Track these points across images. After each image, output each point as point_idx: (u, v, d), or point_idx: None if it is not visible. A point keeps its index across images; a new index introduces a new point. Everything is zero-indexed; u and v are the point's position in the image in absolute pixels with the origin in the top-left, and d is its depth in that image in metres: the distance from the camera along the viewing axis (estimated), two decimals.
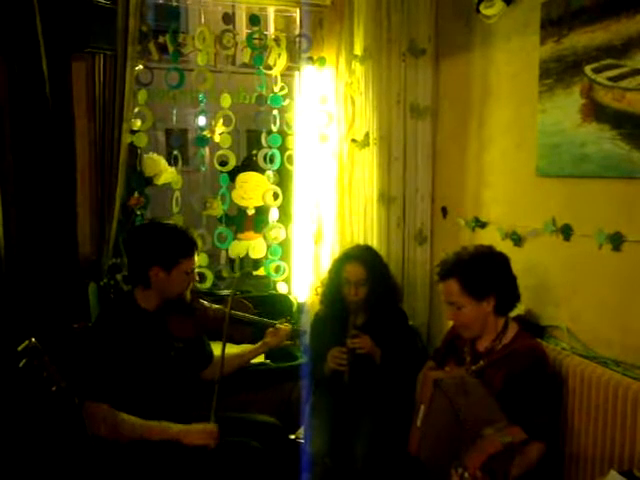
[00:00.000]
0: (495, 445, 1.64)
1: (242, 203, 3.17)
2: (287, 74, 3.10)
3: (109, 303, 2.46)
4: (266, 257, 3.18)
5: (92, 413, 1.79)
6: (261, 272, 3.32)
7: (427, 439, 1.89)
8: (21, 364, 1.66)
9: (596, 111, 1.94)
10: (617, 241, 1.89)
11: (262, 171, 3.15)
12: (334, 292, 2.41)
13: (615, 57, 1.85)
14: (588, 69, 1.95)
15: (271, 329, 2.30)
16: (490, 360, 1.93)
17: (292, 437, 2.35)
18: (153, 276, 1.95)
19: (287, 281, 3.18)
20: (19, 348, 1.67)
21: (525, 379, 1.84)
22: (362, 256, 2.40)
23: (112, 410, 1.82)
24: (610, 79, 1.88)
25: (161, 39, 2.84)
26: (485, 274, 1.92)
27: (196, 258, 2.04)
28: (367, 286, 2.34)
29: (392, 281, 2.50)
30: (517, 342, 1.93)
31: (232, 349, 2.33)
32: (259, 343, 2.31)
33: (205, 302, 2.17)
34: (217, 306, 2.14)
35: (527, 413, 1.80)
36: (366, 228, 2.94)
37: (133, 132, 2.73)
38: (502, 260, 1.99)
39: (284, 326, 2.32)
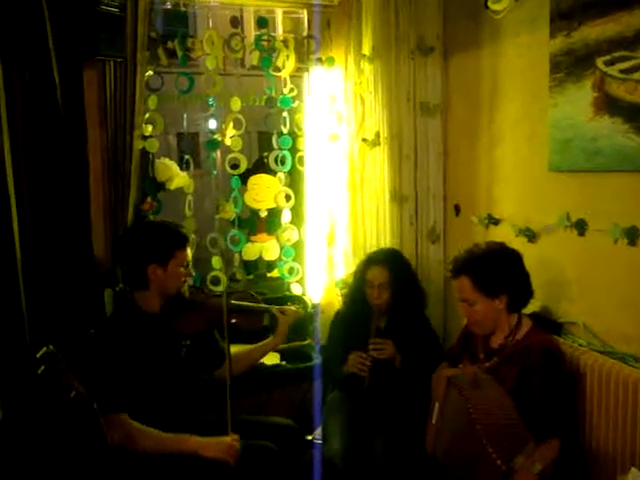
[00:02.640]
0: (530, 478, 1.65)
1: (254, 205, 3.17)
2: (296, 75, 3.10)
3: (113, 312, 2.44)
4: (279, 259, 3.18)
5: (109, 425, 1.79)
6: (275, 274, 3.33)
7: (442, 436, 1.89)
8: (39, 371, 1.68)
9: (608, 104, 1.92)
10: (633, 235, 1.87)
11: (273, 173, 3.15)
12: (357, 295, 2.41)
13: (627, 49, 1.83)
14: (600, 62, 1.93)
15: (281, 317, 2.25)
16: (503, 357, 1.92)
17: (309, 438, 2.35)
18: (151, 274, 1.96)
19: (301, 282, 3.18)
20: (37, 355, 1.69)
21: (539, 375, 1.83)
22: (386, 259, 2.40)
23: (129, 422, 1.83)
24: (622, 71, 1.86)
25: (170, 44, 2.85)
26: (497, 271, 1.92)
27: (189, 251, 2.06)
28: (390, 289, 2.33)
29: (417, 285, 2.48)
30: (530, 338, 1.93)
31: (244, 347, 2.32)
32: (270, 337, 2.29)
33: (207, 297, 2.18)
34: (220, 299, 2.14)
35: (542, 409, 1.79)
36: (379, 227, 2.93)
37: (144, 138, 2.75)
38: (514, 257, 1.97)
39: (289, 308, 2.30)
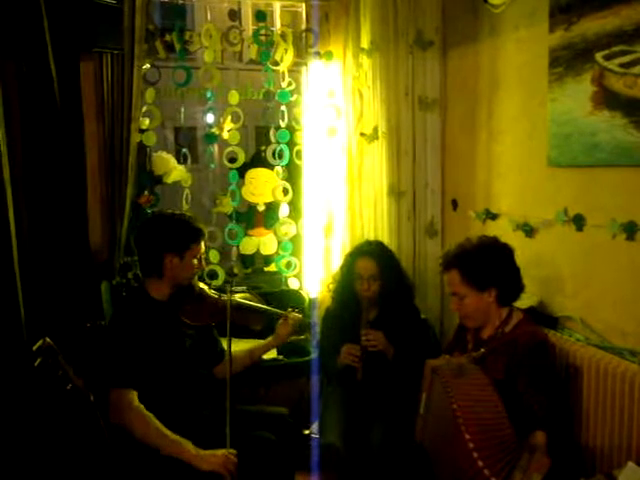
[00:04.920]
0: None
1: (252, 199, 3.17)
2: (294, 69, 3.10)
3: (124, 298, 2.50)
4: (277, 253, 3.18)
5: (116, 401, 1.82)
6: (272, 268, 3.32)
7: (428, 426, 1.90)
8: (36, 363, 1.67)
9: (607, 99, 1.92)
10: (631, 230, 1.87)
11: (271, 167, 3.15)
12: (346, 288, 2.41)
13: (627, 43, 1.83)
14: (599, 56, 1.93)
15: (281, 320, 2.31)
16: (491, 347, 1.93)
17: (306, 432, 2.35)
18: (168, 263, 2.02)
19: (298, 277, 3.18)
20: (34, 347, 1.69)
21: (525, 366, 1.83)
22: (373, 251, 2.40)
23: (136, 402, 1.84)
24: (622, 66, 1.86)
25: (167, 37, 2.84)
26: (486, 265, 1.93)
27: (203, 245, 2.11)
28: (379, 281, 2.34)
29: (404, 276, 2.49)
30: (519, 329, 1.93)
31: (243, 345, 2.34)
32: (270, 337, 2.33)
33: (213, 292, 2.20)
34: (225, 296, 2.17)
35: (529, 400, 1.78)
36: (376, 222, 2.93)
37: (142, 131, 2.74)
38: (504, 251, 1.98)
39: (292, 315, 2.33)
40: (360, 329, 2.30)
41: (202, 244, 2.11)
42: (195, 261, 2.07)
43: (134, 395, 1.86)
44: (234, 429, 1.88)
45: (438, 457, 1.86)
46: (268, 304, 2.42)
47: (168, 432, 1.83)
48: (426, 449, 1.90)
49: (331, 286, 2.55)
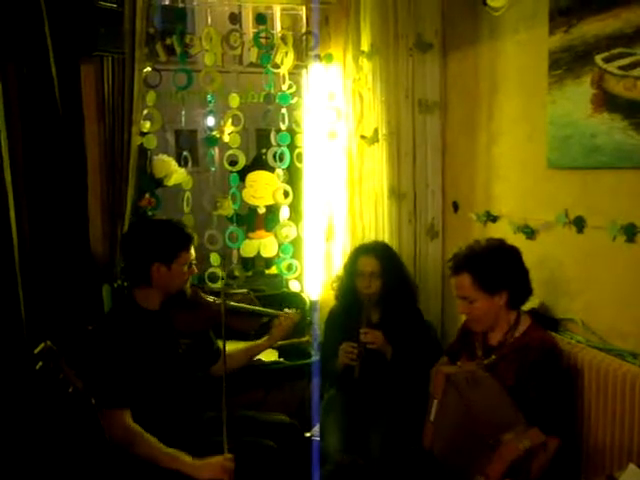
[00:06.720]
0: (515, 452, 1.64)
1: (252, 202, 3.18)
2: (295, 72, 3.10)
3: (111, 309, 2.45)
4: (278, 255, 3.18)
5: (108, 421, 1.77)
6: (273, 271, 3.33)
7: (440, 434, 1.89)
8: (37, 367, 1.67)
9: (607, 101, 1.92)
10: (631, 232, 1.87)
11: (272, 170, 3.16)
12: (348, 285, 2.42)
13: (626, 45, 1.83)
14: (598, 58, 1.93)
15: (276, 320, 2.31)
16: (502, 354, 1.92)
17: (307, 435, 2.35)
18: (154, 273, 1.93)
19: (299, 279, 3.18)
20: (35, 351, 1.68)
21: (536, 372, 1.83)
22: (375, 249, 2.42)
23: (131, 422, 1.81)
24: (621, 68, 1.86)
25: (168, 41, 2.85)
26: (498, 269, 1.91)
27: (192, 251, 2.04)
28: (380, 279, 2.34)
29: (407, 277, 2.49)
30: (528, 335, 1.92)
31: (238, 345, 2.34)
32: (265, 337, 2.32)
33: (207, 296, 2.18)
34: (219, 300, 2.15)
35: (540, 407, 1.79)
36: (377, 224, 2.94)
37: (142, 134, 2.74)
38: (514, 254, 1.97)
39: (288, 315, 2.33)
40: (360, 327, 2.30)
41: (192, 250, 2.02)
42: (185, 268, 1.99)
43: (127, 414, 1.81)
44: (234, 435, 1.85)
45: (450, 462, 1.85)
46: (269, 307, 2.42)
47: (162, 446, 1.80)
48: (437, 457, 1.90)
49: (334, 285, 2.56)
